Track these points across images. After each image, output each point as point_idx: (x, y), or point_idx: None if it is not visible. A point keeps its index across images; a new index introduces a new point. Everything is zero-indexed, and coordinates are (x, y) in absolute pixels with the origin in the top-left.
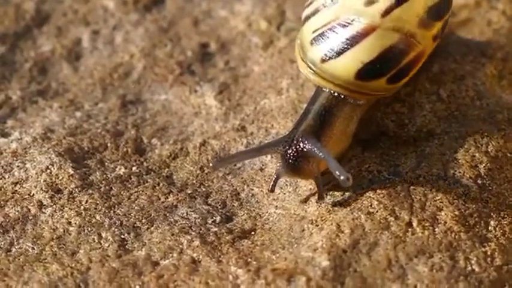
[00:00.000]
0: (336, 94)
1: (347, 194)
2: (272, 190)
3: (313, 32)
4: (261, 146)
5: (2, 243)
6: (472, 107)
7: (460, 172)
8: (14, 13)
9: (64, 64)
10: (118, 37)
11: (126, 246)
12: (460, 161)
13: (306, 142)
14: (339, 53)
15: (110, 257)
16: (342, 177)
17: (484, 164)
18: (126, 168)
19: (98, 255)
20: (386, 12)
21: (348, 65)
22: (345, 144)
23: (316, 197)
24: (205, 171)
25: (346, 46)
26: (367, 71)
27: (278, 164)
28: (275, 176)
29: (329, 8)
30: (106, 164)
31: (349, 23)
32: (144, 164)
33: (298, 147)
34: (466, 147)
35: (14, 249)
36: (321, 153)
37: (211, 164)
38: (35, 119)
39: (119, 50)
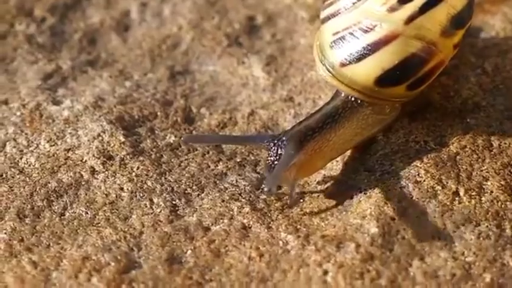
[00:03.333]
0: (352, 99)
1: (395, 163)
2: (258, 188)
3: (333, 34)
4: (246, 136)
5: (56, 207)
6: None
7: (505, 143)
8: None
9: (113, 35)
10: (166, 9)
11: (178, 212)
12: (505, 132)
13: (286, 148)
14: (360, 59)
15: (162, 222)
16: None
17: None
18: (176, 136)
19: (150, 220)
20: (410, 19)
21: (368, 71)
22: (341, 151)
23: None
24: None
25: (367, 52)
26: (388, 78)
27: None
28: (263, 178)
29: (350, 11)
30: (156, 132)
31: (371, 29)
32: (194, 132)
33: (279, 150)
34: None
35: (67, 214)
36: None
37: (182, 138)
38: (86, 88)
39: (167, 22)
